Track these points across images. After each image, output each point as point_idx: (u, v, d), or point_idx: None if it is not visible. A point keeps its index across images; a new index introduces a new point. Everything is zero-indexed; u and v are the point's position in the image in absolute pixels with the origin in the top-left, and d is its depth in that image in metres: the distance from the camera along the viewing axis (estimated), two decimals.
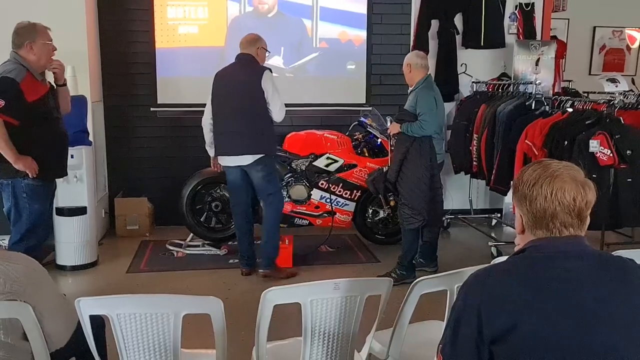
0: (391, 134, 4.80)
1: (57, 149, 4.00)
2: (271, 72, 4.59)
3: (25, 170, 3.73)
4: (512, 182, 4.86)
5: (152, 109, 6.14)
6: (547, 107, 5.07)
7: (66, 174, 4.18)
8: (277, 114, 4.53)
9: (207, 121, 4.69)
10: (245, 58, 4.62)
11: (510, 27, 6.54)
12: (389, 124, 4.93)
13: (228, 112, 4.58)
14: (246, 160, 4.55)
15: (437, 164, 4.64)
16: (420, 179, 4.53)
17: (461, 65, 6.47)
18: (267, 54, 4.75)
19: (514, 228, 2.35)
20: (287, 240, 5.08)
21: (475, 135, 5.59)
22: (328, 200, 5.44)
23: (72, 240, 4.88)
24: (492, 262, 2.23)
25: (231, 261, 5.12)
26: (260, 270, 4.74)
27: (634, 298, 1.51)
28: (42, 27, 3.87)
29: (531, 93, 5.35)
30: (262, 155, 4.54)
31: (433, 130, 4.52)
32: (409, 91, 4.76)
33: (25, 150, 3.73)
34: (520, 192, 1.60)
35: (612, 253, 1.92)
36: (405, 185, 4.59)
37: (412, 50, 6.35)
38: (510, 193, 5.09)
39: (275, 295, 2.20)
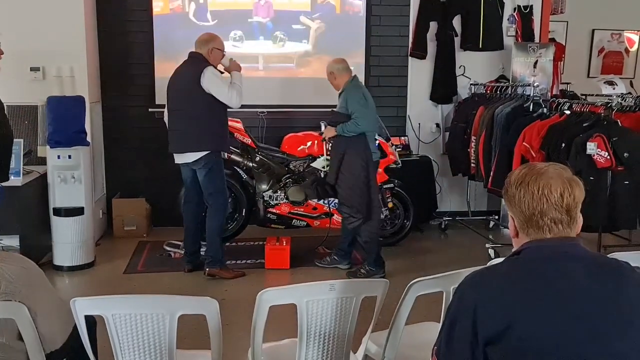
0: (327, 137, 4.88)
1: None
2: (215, 68, 4.58)
3: None
4: None
5: (150, 109, 6.12)
6: (545, 109, 5.07)
7: (7, 179, 4.05)
8: (230, 102, 4.54)
9: (166, 119, 4.81)
10: (193, 57, 4.64)
11: (509, 30, 6.55)
12: (323, 128, 4.96)
13: (174, 110, 4.66)
14: (190, 157, 4.60)
15: (373, 162, 4.69)
16: (358, 177, 4.61)
17: (459, 68, 6.49)
18: (223, 54, 4.70)
19: None
20: (284, 242, 5.08)
21: (473, 137, 5.59)
22: (325, 201, 5.43)
23: (69, 240, 4.87)
24: (488, 264, 2.23)
25: (228, 262, 5.10)
26: (206, 269, 4.74)
27: (629, 300, 1.51)
28: None
29: (529, 95, 5.35)
30: (206, 152, 4.55)
31: (368, 126, 4.59)
32: (338, 95, 4.80)
33: None
34: (509, 193, 1.62)
35: (608, 255, 1.93)
36: (344, 185, 4.66)
37: (410, 52, 6.41)
38: None
39: (271, 296, 2.20)
